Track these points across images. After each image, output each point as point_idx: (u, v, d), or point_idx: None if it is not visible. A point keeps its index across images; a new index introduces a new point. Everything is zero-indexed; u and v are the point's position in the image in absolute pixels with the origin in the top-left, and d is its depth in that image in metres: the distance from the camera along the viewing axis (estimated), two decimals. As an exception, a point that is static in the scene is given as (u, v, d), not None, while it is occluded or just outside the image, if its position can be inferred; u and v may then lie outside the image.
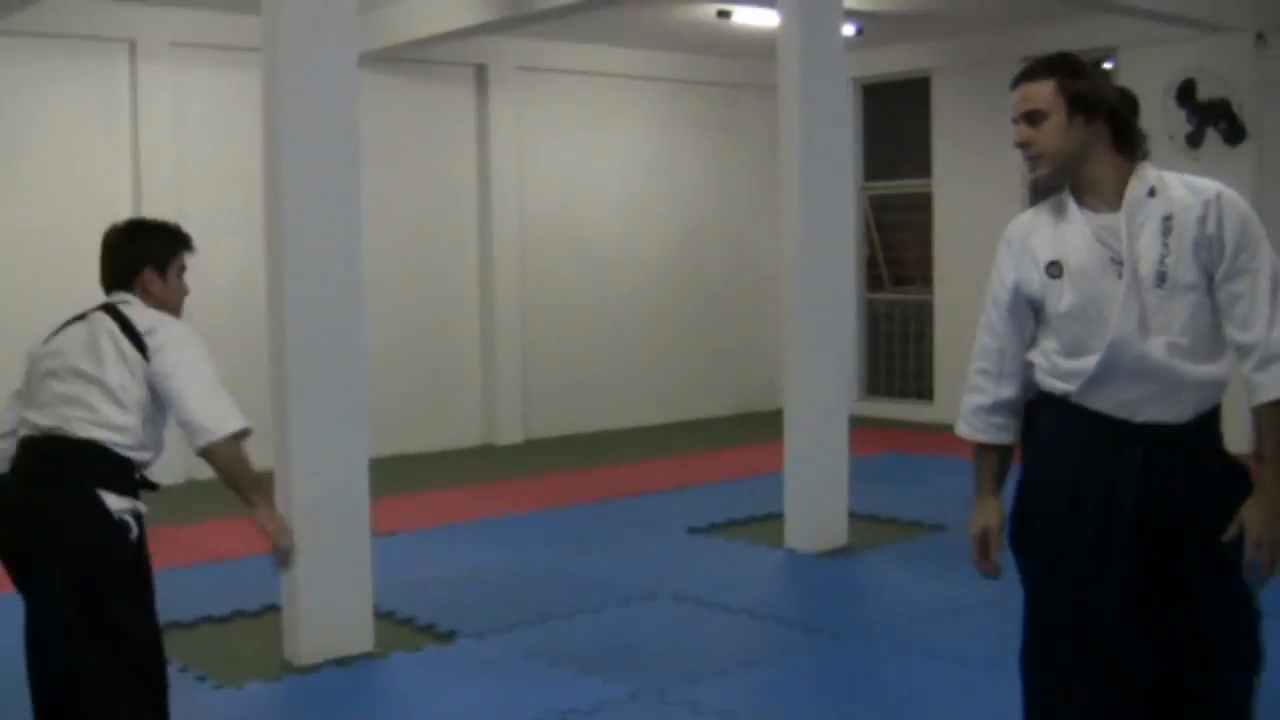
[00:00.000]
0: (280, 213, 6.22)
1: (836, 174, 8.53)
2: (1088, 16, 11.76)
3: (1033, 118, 3.49)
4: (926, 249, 13.96)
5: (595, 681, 5.87)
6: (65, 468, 4.10)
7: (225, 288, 10.98)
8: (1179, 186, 3.43)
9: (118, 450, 4.15)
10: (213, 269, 11.02)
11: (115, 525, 4.19)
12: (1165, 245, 3.36)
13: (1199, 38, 11.57)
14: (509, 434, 12.73)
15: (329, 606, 6.25)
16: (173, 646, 6.42)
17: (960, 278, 13.46)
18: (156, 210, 10.72)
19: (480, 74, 12.76)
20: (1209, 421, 3.46)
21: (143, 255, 4.56)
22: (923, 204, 13.93)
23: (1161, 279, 3.35)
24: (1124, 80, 12.02)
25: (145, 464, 4.34)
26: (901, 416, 14.08)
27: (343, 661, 6.18)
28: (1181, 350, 3.38)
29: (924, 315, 14.07)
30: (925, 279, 14.05)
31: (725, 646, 6.47)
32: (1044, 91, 3.46)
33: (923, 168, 13.89)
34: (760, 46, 8.74)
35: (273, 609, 6.67)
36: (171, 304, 4.59)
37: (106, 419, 4.13)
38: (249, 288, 10.08)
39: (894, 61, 13.86)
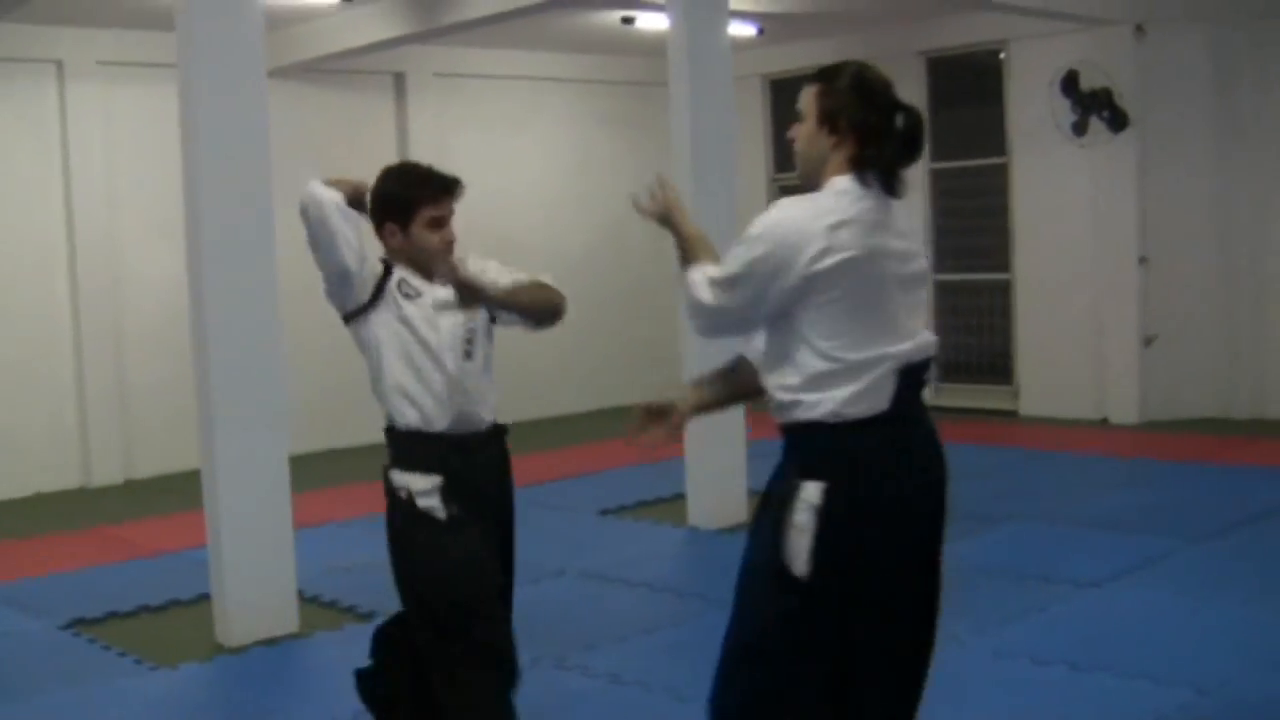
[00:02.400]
0: (198, 223, 6.69)
1: (724, 169, 9.00)
2: (978, 12, 12.32)
3: (797, 117, 3.65)
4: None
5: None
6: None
7: (158, 297, 11.44)
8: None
9: None
10: (144, 280, 11.53)
11: None
12: None
13: (1083, 30, 12.17)
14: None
15: (255, 592, 6.75)
16: (112, 634, 6.97)
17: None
18: (88, 226, 11.24)
19: (399, 82, 13.23)
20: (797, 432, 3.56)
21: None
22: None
23: None
24: (1014, 71, 12.66)
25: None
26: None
27: (270, 642, 6.68)
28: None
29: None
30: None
31: (623, 617, 7.01)
32: (807, 95, 3.61)
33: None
34: (664, 46, 9.27)
35: (205, 598, 7.15)
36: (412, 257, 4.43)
37: None
38: (181, 297, 10.48)
39: (798, 57, 14.36)
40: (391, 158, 12.81)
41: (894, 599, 3.58)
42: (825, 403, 3.46)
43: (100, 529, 9.68)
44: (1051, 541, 8.14)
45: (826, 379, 3.46)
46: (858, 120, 3.53)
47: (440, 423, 4.31)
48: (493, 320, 4.52)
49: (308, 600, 7.25)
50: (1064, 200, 12.66)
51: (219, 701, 6.00)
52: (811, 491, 3.45)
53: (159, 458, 11.54)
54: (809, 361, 3.47)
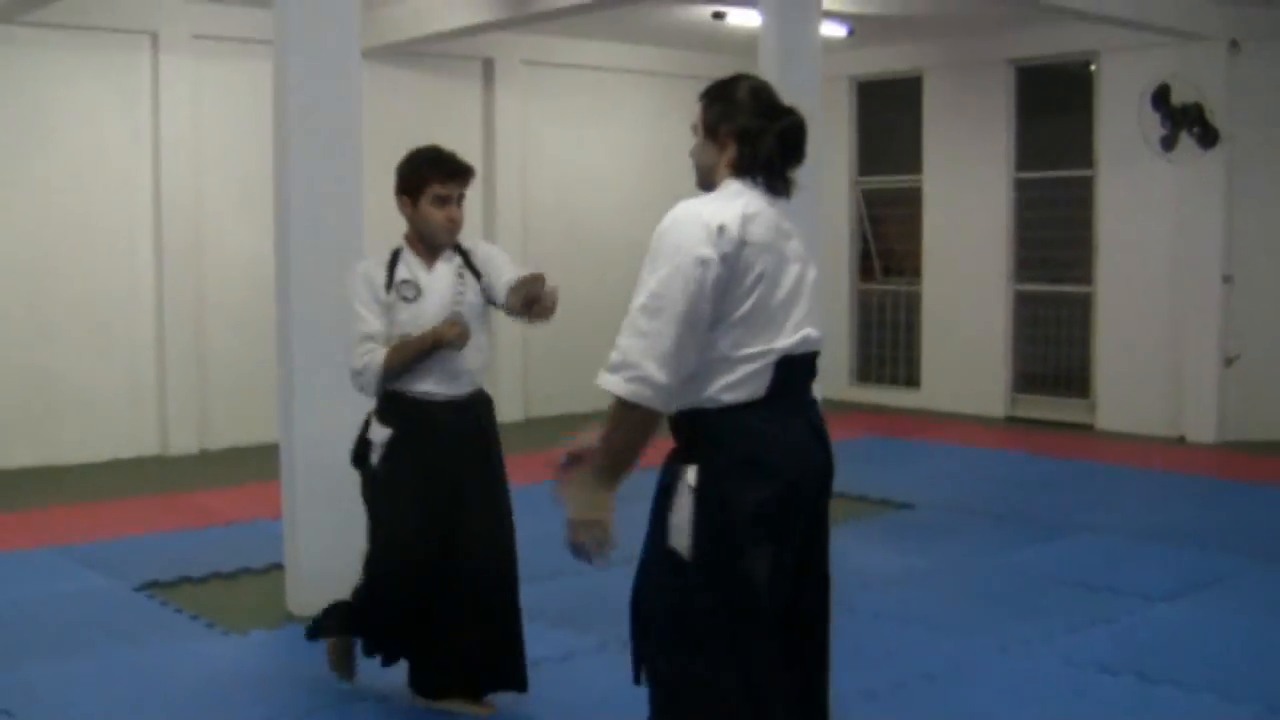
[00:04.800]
0: (287, 200, 6.73)
1: (808, 170, 8.93)
2: (1070, 22, 12.21)
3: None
4: (916, 242, 14.45)
5: (565, 634, 6.41)
6: None
7: (241, 271, 11.55)
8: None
9: None
10: (227, 253, 11.64)
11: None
12: None
13: (1175, 44, 12.03)
14: (510, 412, 13.18)
15: (328, 561, 6.76)
16: (186, 599, 7.06)
17: (948, 270, 14.00)
18: (174, 192, 11.38)
19: (488, 68, 13.29)
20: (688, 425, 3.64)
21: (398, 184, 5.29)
22: (913, 198, 14.43)
23: None
24: (1104, 83, 12.55)
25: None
26: (889, 402, 14.58)
27: (339, 612, 6.74)
28: None
29: (913, 305, 14.56)
30: (915, 270, 14.55)
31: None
32: (698, 109, 3.88)
33: (914, 164, 14.39)
34: (754, 44, 9.28)
35: (277, 567, 7.22)
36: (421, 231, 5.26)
37: None
38: (263, 271, 10.59)
39: (888, 61, 14.35)
40: (477, 142, 13.06)
41: (770, 576, 3.58)
42: (707, 390, 3.57)
43: (175, 496, 9.79)
44: (1123, 554, 8.06)
45: (710, 372, 3.57)
46: (736, 127, 3.76)
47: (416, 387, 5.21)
48: (490, 302, 5.30)
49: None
50: (1149, 215, 12.54)
51: (286, 668, 6.04)
52: (690, 474, 3.56)
53: (234, 429, 11.65)
54: (697, 359, 3.56)
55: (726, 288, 3.52)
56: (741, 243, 3.53)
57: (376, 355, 5.10)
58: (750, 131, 3.73)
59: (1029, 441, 12.30)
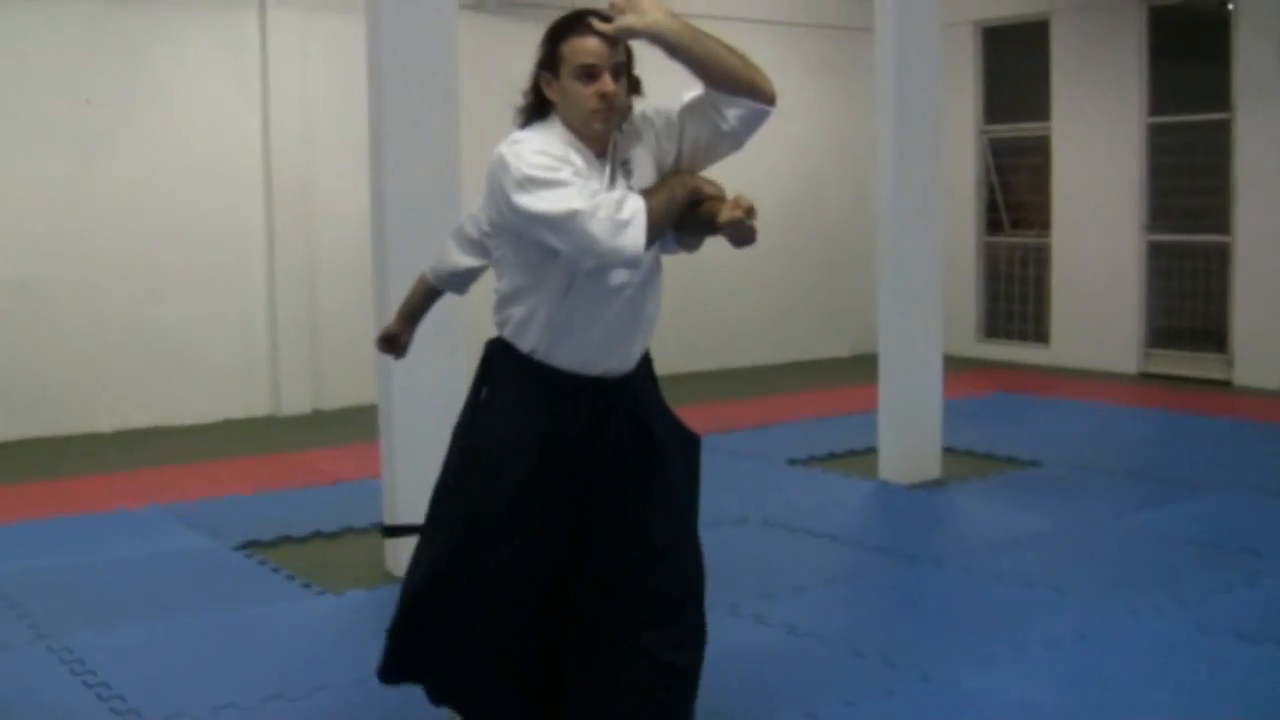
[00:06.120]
0: (382, 156, 6.55)
1: (930, 118, 8.65)
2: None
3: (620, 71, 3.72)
4: (1045, 193, 14.00)
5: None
6: None
7: (351, 230, 11.41)
8: None
9: None
10: (337, 212, 11.53)
11: None
12: None
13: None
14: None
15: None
16: (285, 558, 6.93)
17: (1078, 221, 13.54)
18: (284, 151, 11.30)
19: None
20: None
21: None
22: (1042, 147, 13.97)
23: None
24: (1243, 21, 12.01)
25: None
26: (1017, 359, 14.17)
27: (438, 573, 6.56)
28: None
29: (1042, 258, 14.11)
30: (1044, 222, 14.09)
31: (802, 567, 6.74)
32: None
33: (1042, 111, 13.92)
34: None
35: (379, 526, 7.06)
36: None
37: None
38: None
39: (1013, 4, 13.90)
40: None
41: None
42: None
43: (283, 456, 9.70)
44: (1260, 514, 7.66)
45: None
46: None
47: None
48: None
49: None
50: (1292, 159, 11.99)
51: (377, 628, 5.85)
52: None
53: (347, 389, 11.53)
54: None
55: None
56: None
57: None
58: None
59: (1163, 398, 11.87)
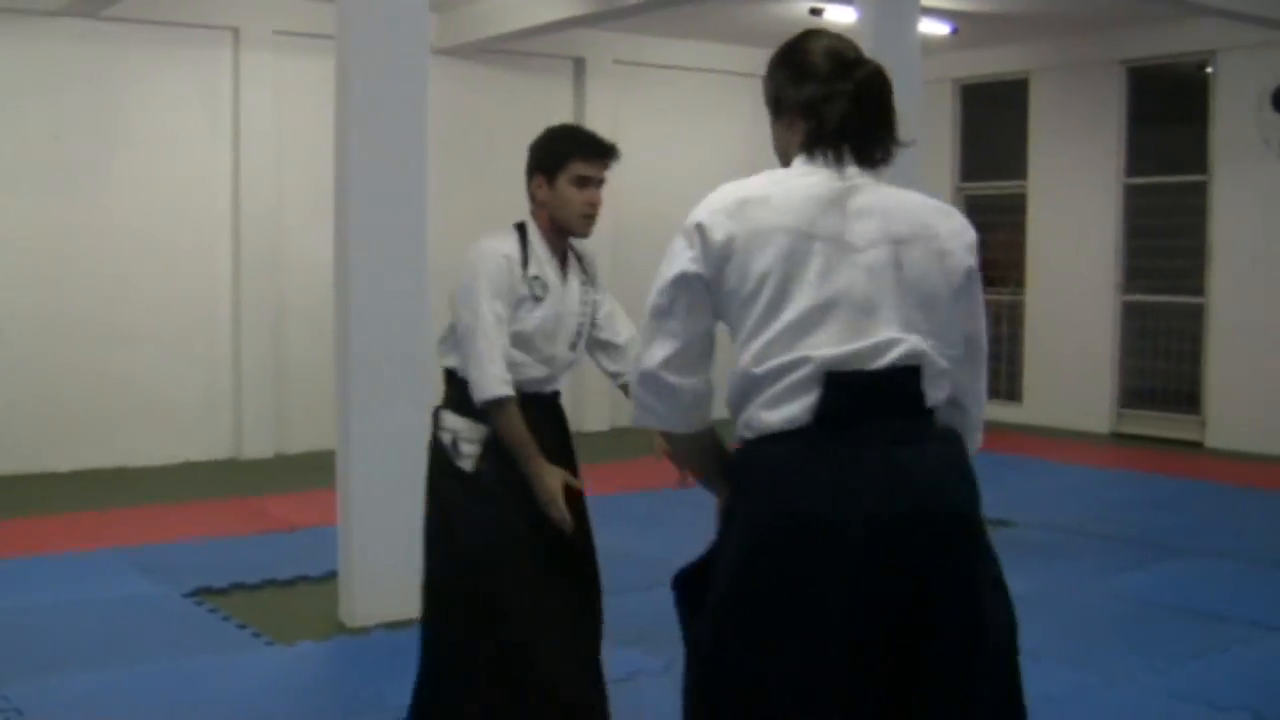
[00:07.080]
0: (347, 200, 6.50)
1: (908, 176, 8.52)
2: (1185, 20, 11.70)
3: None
4: (1020, 251, 13.94)
5: (634, 653, 6.01)
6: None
7: (320, 276, 11.24)
8: None
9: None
10: (306, 257, 11.40)
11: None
12: None
13: (1297, 43, 11.50)
14: (596, 421, 12.91)
15: (382, 573, 6.47)
16: (236, 607, 6.76)
17: (1053, 279, 13.49)
18: (254, 194, 11.19)
19: (579, 67, 12.98)
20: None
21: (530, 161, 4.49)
22: (1018, 205, 13.92)
23: None
24: (1220, 85, 12.00)
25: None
26: (990, 416, 13.90)
27: (393, 625, 6.38)
28: None
29: (1016, 316, 14.04)
30: (1019, 280, 14.03)
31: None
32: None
33: (1019, 169, 13.89)
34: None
35: (334, 576, 6.88)
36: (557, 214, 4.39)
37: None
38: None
39: (993, 62, 13.88)
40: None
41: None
42: (743, 415, 2.81)
43: (242, 500, 9.54)
44: (1231, 580, 7.58)
45: (745, 392, 2.79)
46: (801, 98, 2.95)
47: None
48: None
49: (438, 586, 6.96)
50: (1267, 223, 11.94)
51: (326, 682, 5.73)
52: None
53: (310, 434, 11.36)
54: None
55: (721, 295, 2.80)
56: (728, 239, 2.77)
57: (512, 407, 4.17)
58: (815, 101, 2.88)
59: (1135, 459, 11.78)
